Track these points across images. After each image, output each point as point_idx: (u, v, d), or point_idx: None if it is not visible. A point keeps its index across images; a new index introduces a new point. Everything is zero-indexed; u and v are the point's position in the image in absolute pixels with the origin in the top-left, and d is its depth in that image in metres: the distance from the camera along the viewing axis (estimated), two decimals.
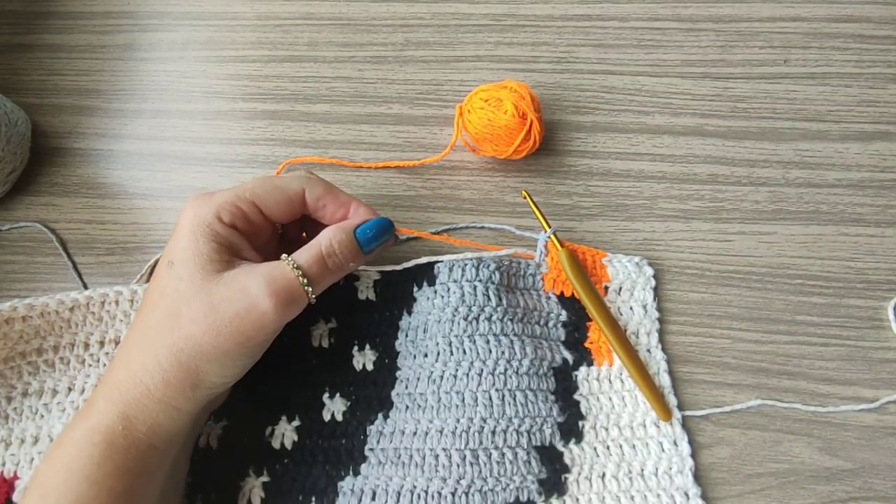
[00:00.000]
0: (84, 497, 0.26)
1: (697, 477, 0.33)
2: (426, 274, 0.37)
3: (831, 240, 0.39)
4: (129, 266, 0.40)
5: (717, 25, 0.46)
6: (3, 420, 0.34)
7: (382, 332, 0.36)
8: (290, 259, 0.29)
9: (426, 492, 0.32)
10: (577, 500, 0.33)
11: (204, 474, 0.33)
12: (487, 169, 0.42)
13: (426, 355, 0.34)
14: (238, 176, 0.43)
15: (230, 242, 0.30)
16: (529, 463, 0.33)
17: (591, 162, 0.42)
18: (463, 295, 0.35)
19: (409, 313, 0.37)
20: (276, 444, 0.34)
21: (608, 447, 0.34)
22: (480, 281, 0.35)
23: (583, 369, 0.36)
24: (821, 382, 0.36)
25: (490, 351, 0.34)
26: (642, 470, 0.33)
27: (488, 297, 0.35)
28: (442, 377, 0.34)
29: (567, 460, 0.33)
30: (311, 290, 0.29)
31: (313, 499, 0.33)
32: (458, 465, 0.32)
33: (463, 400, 0.33)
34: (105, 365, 0.35)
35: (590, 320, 0.37)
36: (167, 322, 0.28)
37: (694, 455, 0.34)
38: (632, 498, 0.33)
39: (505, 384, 0.33)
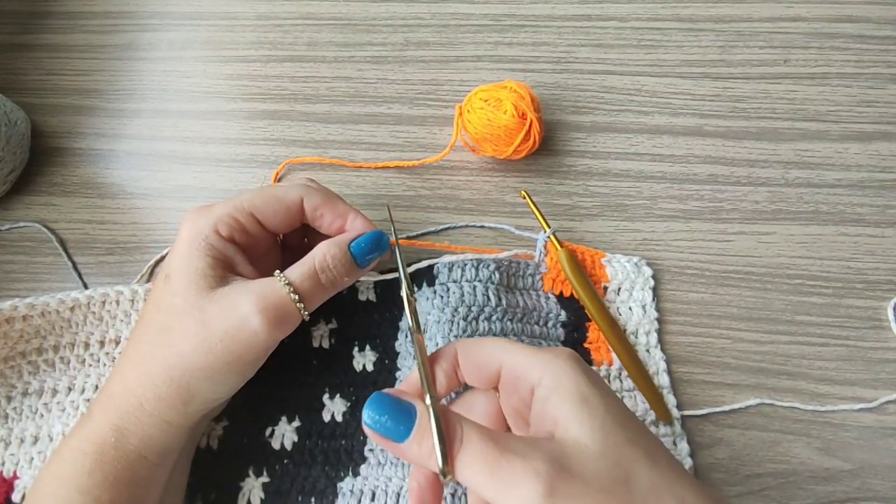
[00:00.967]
0: None
1: (697, 477, 0.33)
2: (426, 274, 0.37)
3: (831, 240, 0.39)
4: (129, 266, 0.40)
5: (717, 25, 0.46)
6: (3, 419, 0.35)
7: (382, 332, 0.36)
8: (281, 276, 0.29)
9: None
10: None
11: (204, 474, 0.33)
12: (487, 169, 0.42)
13: None
14: (238, 176, 0.43)
15: (226, 257, 0.29)
16: None
17: (591, 162, 0.42)
18: (463, 295, 0.35)
19: None
20: (275, 445, 0.34)
21: None
22: (480, 281, 0.35)
23: None
24: (820, 382, 0.36)
25: None
26: None
27: (488, 297, 0.35)
28: None
29: None
30: (303, 306, 0.29)
31: (313, 499, 0.33)
32: None
33: None
34: (105, 365, 0.36)
35: (589, 320, 0.37)
36: (160, 338, 0.28)
37: (693, 455, 0.34)
38: None
39: None
